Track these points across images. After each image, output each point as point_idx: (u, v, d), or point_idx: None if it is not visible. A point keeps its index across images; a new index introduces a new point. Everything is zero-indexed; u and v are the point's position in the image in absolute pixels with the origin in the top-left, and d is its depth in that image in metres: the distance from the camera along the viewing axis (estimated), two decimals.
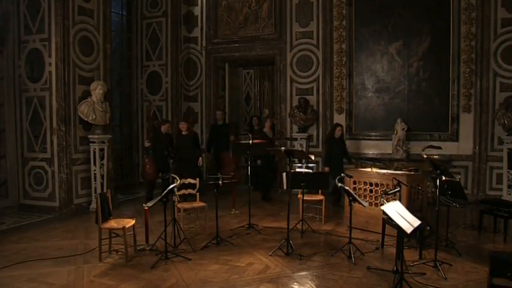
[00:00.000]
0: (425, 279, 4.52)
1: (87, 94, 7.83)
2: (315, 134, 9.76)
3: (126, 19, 10.52)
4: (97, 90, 7.76)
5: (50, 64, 7.51)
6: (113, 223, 5.35)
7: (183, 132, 8.29)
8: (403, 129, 8.73)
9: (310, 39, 9.73)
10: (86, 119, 7.70)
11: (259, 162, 8.92)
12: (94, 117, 7.70)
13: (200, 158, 8.35)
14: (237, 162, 9.49)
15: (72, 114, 7.68)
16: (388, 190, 5.60)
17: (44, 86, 7.59)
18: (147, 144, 8.75)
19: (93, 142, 7.85)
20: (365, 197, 6.46)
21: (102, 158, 7.91)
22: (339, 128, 8.25)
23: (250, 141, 6.87)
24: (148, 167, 8.45)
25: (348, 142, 9.21)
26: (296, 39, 9.86)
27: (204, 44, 10.73)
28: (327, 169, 7.99)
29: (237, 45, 10.41)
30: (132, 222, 5.42)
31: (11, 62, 7.78)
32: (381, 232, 5.73)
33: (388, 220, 5.13)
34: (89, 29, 7.98)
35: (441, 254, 5.12)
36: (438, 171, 4.97)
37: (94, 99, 7.76)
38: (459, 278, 4.58)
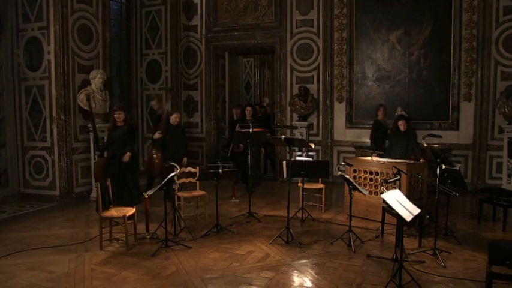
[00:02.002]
0: (425, 267, 4.55)
1: (86, 83, 7.81)
2: (315, 123, 9.74)
3: (125, 7, 10.43)
4: (96, 78, 7.74)
5: (49, 52, 7.47)
6: (113, 212, 5.36)
7: (118, 124, 6.57)
8: None
9: (311, 27, 9.66)
10: (85, 108, 7.68)
11: (262, 150, 8.85)
12: (93, 106, 7.67)
13: (127, 154, 6.48)
14: (160, 159, 7.50)
15: (72, 103, 7.67)
16: (388, 178, 5.59)
17: (43, 75, 7.55)
18: (157, 135, 7.54)
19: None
20: (365, 185, 6.47)
21: None
22: (400, 122, 6.82)
23: (250, 130, 6.84)
24: (157, 161, 7.44)
25: (348, 131, 9.20)
26: (296, 27, 9.79)
27: (203, 32, 10.66)
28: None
29: (236, 33, 10.34)
30: (133, 210, 5.43)
31: (10, 51, 7.73)
32: (380, 220, 5.76)
33: (387, 208, 5.14)
34: (87, 17, 7.93)
35: (440, 242, 5.14)
36: (438, 160, 4.97)
37: (93, 87, 7.74)
38: (458, 266, 4.60)
